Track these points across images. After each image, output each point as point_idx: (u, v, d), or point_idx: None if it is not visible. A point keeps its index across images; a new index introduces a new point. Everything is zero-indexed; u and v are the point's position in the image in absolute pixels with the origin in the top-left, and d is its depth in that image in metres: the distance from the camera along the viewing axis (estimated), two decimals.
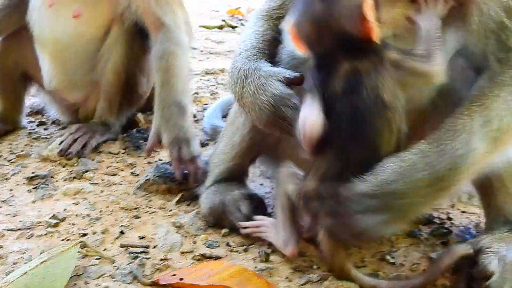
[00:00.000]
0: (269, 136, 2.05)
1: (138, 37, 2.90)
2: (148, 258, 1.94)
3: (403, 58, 1.66)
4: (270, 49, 2.04)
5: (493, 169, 1.83)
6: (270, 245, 2.02)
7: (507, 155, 1.81)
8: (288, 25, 1.76)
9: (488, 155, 1.71)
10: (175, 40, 2.74)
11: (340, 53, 1.65)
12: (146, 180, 2.51)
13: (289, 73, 1.84)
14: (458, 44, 1.81)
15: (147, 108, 3.58)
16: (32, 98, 3.57)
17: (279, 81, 1.82)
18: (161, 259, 1.94)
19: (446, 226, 2.21)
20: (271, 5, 2.15)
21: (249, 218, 2.06)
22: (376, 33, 1.60)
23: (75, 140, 2.88)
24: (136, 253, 1.97)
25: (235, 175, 2.28)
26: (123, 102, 3.06)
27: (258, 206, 2.17)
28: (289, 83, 1.82)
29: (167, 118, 2.61)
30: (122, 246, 2.02)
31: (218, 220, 2.13)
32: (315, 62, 1.74)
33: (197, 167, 2.41)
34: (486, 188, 1.94)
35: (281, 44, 2.03)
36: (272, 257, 1.95)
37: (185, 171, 2.44)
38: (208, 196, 2.19)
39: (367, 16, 1.57)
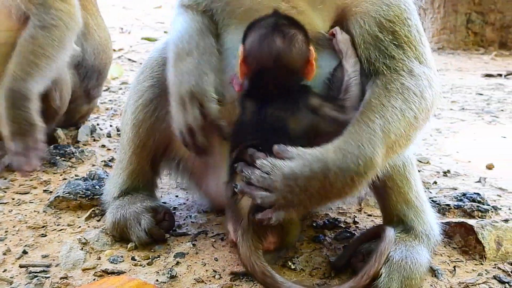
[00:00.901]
0: (156, 133, 2.16)
1: None
2: (47, 277, 1.90)
3: (323, 104, 1.86)
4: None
5: (386, 171, 1.92)
6: (175, 257, 2.03)
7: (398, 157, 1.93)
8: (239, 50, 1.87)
9: (385, 159, 1.80)
10: (43, 22, 2.65)
11: (273, 84, 1.87)
12: (56, 197, 2.46)
13: (225, 94, 1.91)
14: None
15: (69, 123, 3.55)
16: None
17: (215, 87, 1.90)
18: (61, 278, 1.90)
19: (351, 229, 2.29)
20: None
21: (150, 232, 2.06)
22: (312, 75, 1.88)
23: None
24: (36, 272, 1.93)
25: (140, 185, 2.27)
26: None
27: (165, 218, 2.18)
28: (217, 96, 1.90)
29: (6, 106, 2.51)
30: (22, 266, 1.97)
31: (122, 235, 2.12)
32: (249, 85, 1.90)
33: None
34: (381, 189, 2.03)
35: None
36: (177, 269, 1.96)
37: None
38: (111, 211, 2.17)
39: (312, 59, 1.86)
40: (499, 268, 2.02)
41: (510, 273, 1.98)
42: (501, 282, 1.92)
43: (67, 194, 2.45)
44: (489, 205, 2.48)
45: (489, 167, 3.12)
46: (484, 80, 6.39)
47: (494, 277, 1.95)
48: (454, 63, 8.12)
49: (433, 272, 1.96)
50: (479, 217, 2.39)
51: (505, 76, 6.70)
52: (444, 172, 3.01)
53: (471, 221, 2.18)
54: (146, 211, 2.11)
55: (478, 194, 2.55)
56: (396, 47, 1.89)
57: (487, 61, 8.33)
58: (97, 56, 3.33)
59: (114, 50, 7.24)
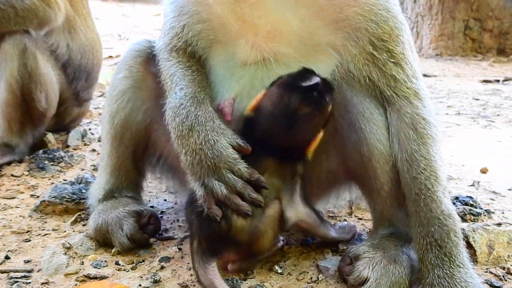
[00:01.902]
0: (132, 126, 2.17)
1: (32, 51, 2.85)
2: (28, 283, 1.86)
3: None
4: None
5: (375, 173, 1.90)
6: (160, 261, 2.00)
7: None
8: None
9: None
10: None
11: (272, 145, 1.86)
12: (42, 201, 2.43)
13: (243, 142, 1.82)
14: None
15: (60, 127, 3.52)
16: None
17: (230, 144, 1.80)
18: (42, 283, 1.86)
19: None
20: (170, 36, 2.06)
21: (133, 237, 2.02)
22: (311, 153, 1.89)
23: None
24: (17, 278, 1.89)
25: (123, 184, 2.25)
26: (24, 121, 2.97)
27: (150, 222, 2.14)
28: (238, 150, 1.81)
29: None
30: (3, 272, 1.93)
31: (105, 240, 2.08)
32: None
33: None
34: (371, 192, 1.99)
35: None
36: (161, 273, 1.92)
37: None
38: (93, 216, 2.14)
39: (318, 139, 1.88)
40: (491, 272, 1.97)
41: (502, 278, 1.93)
42: (493, 286, 1.88)
43: (53, 199, 2.42)
44: (481, 208, 2.44)
45: (483, 171, 3.08)
46: (481, 86, 6.37)
47: (486, 282, 1.90)
48: (452, 69, 8.12)
49: None
50: (471, 221, 2.35)
51: (502, 81, 6.68)
52: None
53: (462, 225, 2.13)
54: (129, 216, 2.07)
55: (470, 197, 2.52)
56: (394, 65, 1.88)
57: (485, 67, 8.33)
58: (84, 56, 3.32)
59: (111, 56, 7.26)
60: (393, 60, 1.88)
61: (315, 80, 1.82)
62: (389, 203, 1.94)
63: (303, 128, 1.86)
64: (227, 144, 1.80)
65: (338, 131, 1.95)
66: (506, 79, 6.82)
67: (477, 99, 5.39)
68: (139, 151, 2.25)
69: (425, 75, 7.39)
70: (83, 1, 3.52)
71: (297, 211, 1.88)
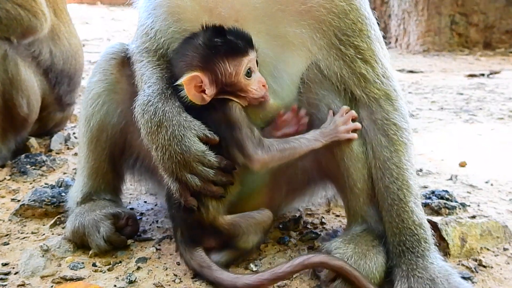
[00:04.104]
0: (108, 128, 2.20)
1: (13, 57, 2.86)
2: (4, 285, 1.87)
3: None
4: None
5: (347, 171, 1.93)
6: (137, 262, 2.02)
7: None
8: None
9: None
10: None
11: None
12: (21, 205, 2.44)
13: (209, 132, 1.85)
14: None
15: (43, 132, 3.53)
16: None
17: (197, 136, 1.83)
18: (19, 285, 1.88)
19: (317, 230, 2.28)
20: (143, 40, 2.08)
21: (110, 239, 2.04)
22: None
23: None
24: None
25: (101, 187, 2.27)
26: (6, 126, 2.98)
27: (128, 224, 2.16)
28: (206, 141, 1.84)
29: None
30: None
31: (82, 242, 2.10)
32: None
33: None
34: (344, 189, 2.01)
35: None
36: (137, 274, 1.94)
37: None
38: (71, 219, 2.15)
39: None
40: (463, 264, 2.01)
41: (474, 270, 1.97)
42: (464, 278, 1.90)
43: (33, 202, 2.43)
44: (457, 202, 2.48)
45: (462, 164, 3.12)
46: (467, 80, 6.42)
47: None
48: (439, 64, 8.17)
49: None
50: (446, 214, 2.38)
51: (488, 75, 6.74)
52: (417, 171, 2.99)
53: (436, 218, 2.17)
54: (106, 218, 2.09)
55: (446, 191, 2.55)
56: (363, 62, 1.89)
57: (472, 62, 8.38)
58: (66, 61, 3.33)
59: None
60: (360, 57, 1.89)
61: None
62: (361, 200, 1.97)
63: None
64: (194, 138, 1.83)
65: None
66: (492, 73, 6.88)
67: (461, 94, 5.43)
68: (116, 154, 2.27)
69: (411, 71, 7.46)
70: (65, 9, 3.55)
71: None
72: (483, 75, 6.77)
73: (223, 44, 1.81)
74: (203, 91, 1.84)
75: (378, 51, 1.94)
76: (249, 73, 1.84)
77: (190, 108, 1.89)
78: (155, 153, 1.86)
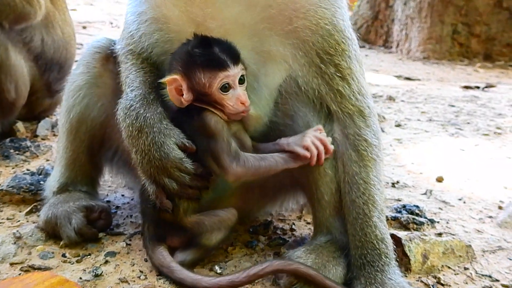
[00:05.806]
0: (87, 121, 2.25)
1: (3, 42, 2.89)
2: None
3: None
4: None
5: (316, 183, 1.98)
6: (105, 256, 2.07)
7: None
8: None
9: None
10: None
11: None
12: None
13: (187, 141, 1.91)
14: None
15: (30, 117, 3.57)
16: None
17: (176, 144, 1.89)
18: None
19: (286, 236, 2.33)
20: (128, 42, 2.11)
21: (81, 231, 2.09)
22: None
23: None
24: None
25: (78, 178, 2.32)
26: None
27: (101, 217, 2.21)
28: (184, 149, 1.90)
29: None
30: None
31: (54, 232, 2.15)
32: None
33: None
34: (312, 200, 2.07)
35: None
36: (104, 268, 1.99)
37: None
38: (44, 209, 2.20)
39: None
40: (422, 281, 2.05)
41: (431, 287, 2.02)
42: None
43: (11, 188, 2.48)
44: (426, 218, 2.52)
45: (439, 180, 3.16)
46: (461, 92, 6.44)
47: None
48: (437, 73, 8.18)
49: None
50: (414, 230, 2.43)
51: (483, 88, 6.76)
52: (393, 183, 3.05)
53: (401, 233, 2.22)
54: (79, 210, 2.14)
55: (417, 206, 2.60)
56: (341, 79, 1.94)
57: (470, 73, 8.39)
58: (57, 50, 3.36)
59: None
60: (339, 75, 1.94)
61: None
62: (328, 212, 2.02)
63: None
64: (173, 145, 1.89)
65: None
66: (487, 86, 6.90)
67: (453, 106, 5.46)
68: (94, 146, 2.32)
69: (408, 79, 7.48)
70: None
71: None
72: (478, 87, 6.78)
73: (201, 55, 1.86)
74: (182, 95, 1.90)
75: (356, 69, 1.99)
76: (225, 88, 1.88)
77: (173, 114, 1.97)
78: (134, 156, 1.93)
